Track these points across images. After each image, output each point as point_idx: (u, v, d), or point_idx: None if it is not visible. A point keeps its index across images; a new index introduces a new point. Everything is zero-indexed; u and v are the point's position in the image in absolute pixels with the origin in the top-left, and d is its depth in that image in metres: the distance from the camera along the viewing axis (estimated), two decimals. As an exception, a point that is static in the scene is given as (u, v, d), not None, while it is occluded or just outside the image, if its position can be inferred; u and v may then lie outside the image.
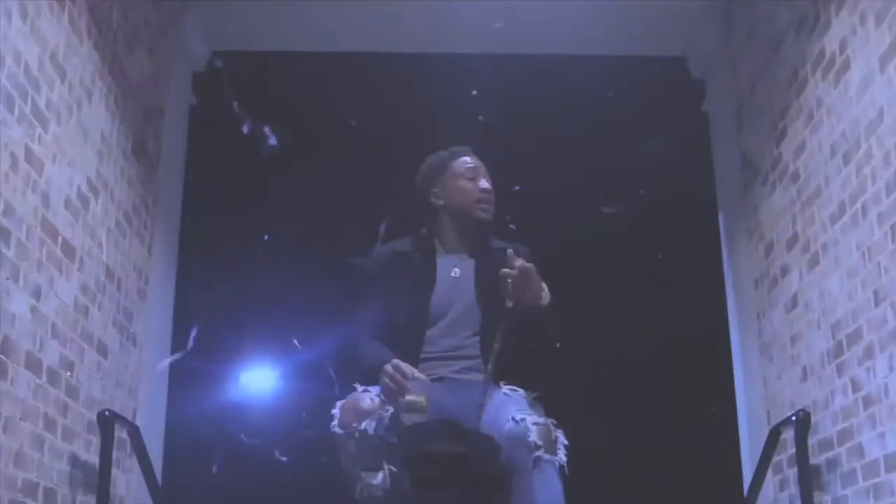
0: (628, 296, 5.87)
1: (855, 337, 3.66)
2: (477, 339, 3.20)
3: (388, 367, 2.99)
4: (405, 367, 3.00)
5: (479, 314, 3.23)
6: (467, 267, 3.32)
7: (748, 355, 4.88)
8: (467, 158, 3.42)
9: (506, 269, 3.02)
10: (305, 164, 5.79)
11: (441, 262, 3.33)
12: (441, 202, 3.37)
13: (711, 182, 5.32)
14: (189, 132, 5.32)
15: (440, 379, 3.16)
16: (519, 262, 3.03)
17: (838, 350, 3.81)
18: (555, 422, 3.02)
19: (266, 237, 5.59)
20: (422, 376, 3.02)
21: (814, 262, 4.05)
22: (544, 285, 3.12)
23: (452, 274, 3.31)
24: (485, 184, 3.36)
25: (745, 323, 4.91)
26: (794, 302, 4.29)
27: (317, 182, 5.80)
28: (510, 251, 3.04)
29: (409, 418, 2.97)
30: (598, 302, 5.67)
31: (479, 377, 3.15)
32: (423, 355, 3.18)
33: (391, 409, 2.99)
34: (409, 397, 2.94)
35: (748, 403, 4.87)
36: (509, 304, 3.02)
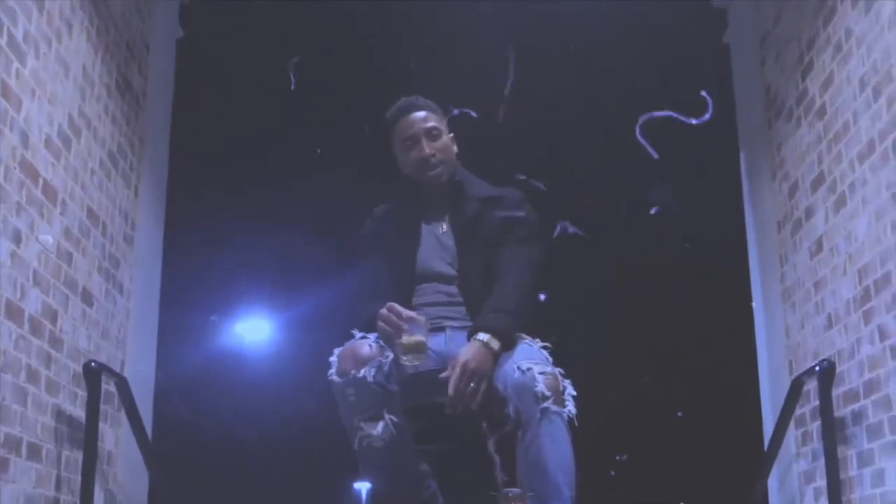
0: (643, 240, 5.86)
1: (883, 282, 3.65)
2: (457, 288, 3.31)
3: (383, 311, 3.06)
4: (400, 308, 3.07)
5: (458, 266, 3.33)
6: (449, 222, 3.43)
7: (770, 302, 4.88)
8: (407, 119, 3.43)
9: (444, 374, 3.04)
10: (302, 102, 5.75)
11: (428, 217, 3.43)
12: (404, 170, 3.44)
13: (732, 119, 5.30)
14: (176, 68, 5.28)
15: (441, 329, 3.22)
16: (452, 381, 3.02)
17: (865, 296, 3.81)
18: (562, 371, 3.04)
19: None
20: (418, 317, 3.07)
21: (840, 203, 4.04)
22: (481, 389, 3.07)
23: (440, 230, 3.41)
24: (424, 148, 3.37)
25: (767, 268, 4.91)
26: (818, 246, 4.28)
27: (315, 121, 5.77)
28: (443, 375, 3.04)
29: (409, 360, 3.01)
30: (611, 247, 5.66)
31: None
32: (416, 302, 3.30)
33: (391, 356, 3.03)
34: (406, 338, 2.99)
35: (770, 353, 4.88)
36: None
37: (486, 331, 3.08)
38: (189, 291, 5.03)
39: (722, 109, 5.30)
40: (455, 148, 3.49)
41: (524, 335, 3.18)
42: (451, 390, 2.99)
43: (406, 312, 3.06)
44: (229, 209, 5.73)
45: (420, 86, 3.61)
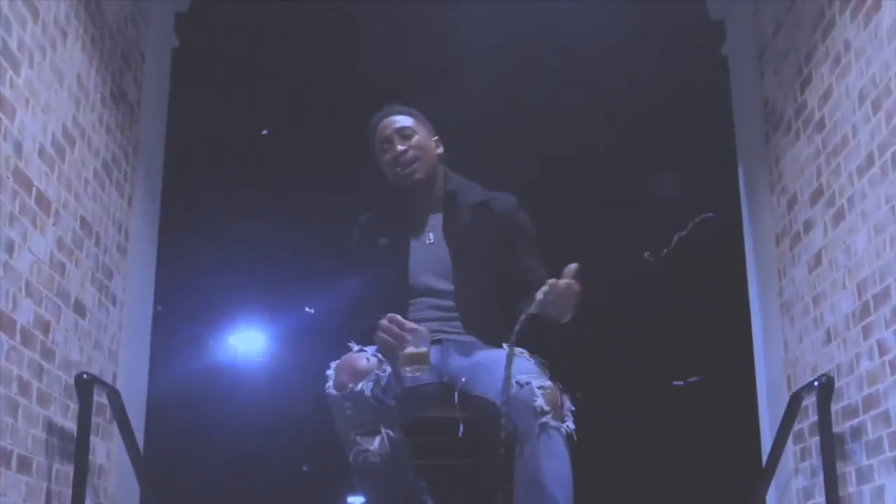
0: (640, 253, 5.86)
1: (882, 297, 3.66)
2: (452, 301, 3.28)
3: (384, 322, 3.05)
4: (401, 318, 3.06)
5: (454, 278, 3.30)
6: (439, 232, 3.40)
7: (768, 316, 4.87)
8: (381, 124, 3.44)
9: (553, 280, 3.00)
10: (298, 111, 5.75)
11: (416, 228, 3.41)
12: (388, 179, 3.46)
13: (731, 131, 5.31)
14: (171, 77, 5.29)
15: (437, 341, 3.20)
16: (564, 282, 2.99)
17: (864, 311, 3.81)
18: (561, 386, 3.03)
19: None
20: (419, 327, 3.06)
21: (839, 216, 4.04)
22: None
23: (427, 241, 3.38)
24: (396, 148, 3.37)
25: (766, 282, 4.91)
26: (817, 259, 4.28)
27: (311, 129, 5.77)
28: (573, 266, 3.00)
29: (411, 371, 2.99)
30: (609, 259, 5.66)
31: (474, 338, 3.21)
32: (410, 318, 3.22)
33: (389, 370, 3.01)
34: (409, 349, 2.98)
35: (768, 367, 4.88)
36: (528, 311, 3.00)
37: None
38: (183, 302, 5.02)
39: (720, 122, 5.32)
40: (438, 149, 3.45)
41: (522, 349, 3.17)
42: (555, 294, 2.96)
43: (408, 323, 3.05)
44: (224, 219, 5.72)
45: (418, 92, 3.63)
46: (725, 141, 5.32)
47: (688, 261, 5.69)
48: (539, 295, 2.98)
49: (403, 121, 3.43)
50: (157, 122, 5.13)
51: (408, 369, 3.00)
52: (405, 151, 3.36)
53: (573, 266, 3.00)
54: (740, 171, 5.26)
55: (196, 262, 5.34)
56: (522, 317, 2.98)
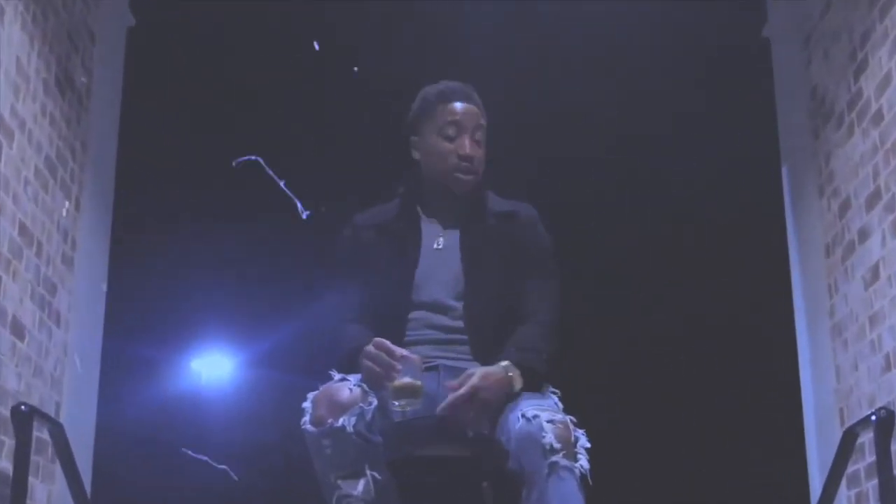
0: (674, 267, 5.85)
1: (951, 317, 3.63)
2: (462, 322, 3.24)
3: (370, 348, 3.01)
4: (390, 345, 3.02)
5: (465, 293, 3.26)
6: (453, 237, 3.36)
7: (817, 340, 4.87)
8: (457, 105, 3.40)
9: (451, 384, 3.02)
10: (266, 99, 5.74)
11: (424, 229, 3.37)
12: (418, 155, 3.40)
13: (773, 125, 5.31)
14: (126, 61, 5.28)
15: (434, 367, 3.17)
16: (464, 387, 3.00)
17: (930, 333, 3.79)
18: (574, 420, 3.00)
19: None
20: (411, 355, 3.03)
21: (900, 223, 4.04)
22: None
23: (435, 245, 3.34)
24: (467, 146, 3.34)
25: (814, 299, 4.91)
26: (874, 273, 4.27)
27: (279, 122, 5.75)
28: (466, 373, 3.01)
29: (400, 406, 2.96)
30: (637, 273, 5.65)
31: (476, 365, 3.17)
32: (406, 338, 3.22)
33: (375, 402, 2.97)
34: (400, 380, 2.94)
35: (817, 399, 4.87)
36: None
37: (513, 365, 3.06)
38: (138, 322, 4.99)
39: (762, 115, 5.30)
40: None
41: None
42: (447, 408, 2.97)
43: (398, 350, 3.02)
44: (188, 226, 5.69)
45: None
46: (767, 136, 5.32)
47: (725, 276, 5.68)
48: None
49: (481, 119, 3.39)
50: (109, 112, 5.12)
51: (396, 403, 2.97)
52: (474, 158, 3.32)
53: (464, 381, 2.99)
54: (784, 171, 5.26)
55: (154, 274, 5.32)
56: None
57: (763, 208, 5.36)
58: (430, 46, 5.49)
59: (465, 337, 3.22)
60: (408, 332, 3.22)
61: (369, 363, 3.00)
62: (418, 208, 3.40)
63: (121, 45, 5.26)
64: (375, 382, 3.00)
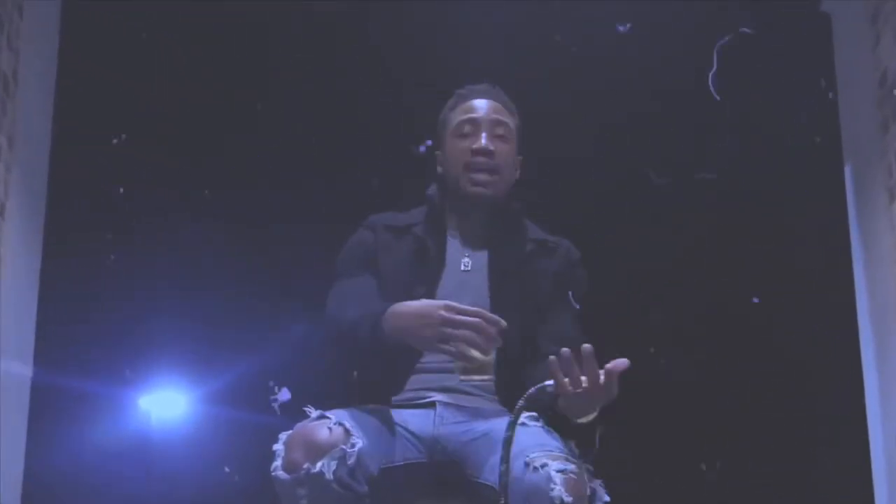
0: (713, 285, 5.88)
1: None
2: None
3: (443, 312, 2.98)
4: (458, 306, 3.00)
5: None
6: (480, 259, 3.47)
7: (888, 367, 4.90)
8: (474, 102, 3.51)
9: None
10: (229, 86, 5.75)
11: (450, 247, 3.48)
12: (440, 169, 3.50)
13: (834, 117, 5.35)
14: (62, 40, 5.29)
15: (431, 404, 3.28)
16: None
17: None
18: (591, 468, 3.06)
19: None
20: (487, 314, 2.99)
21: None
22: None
23: (462, 266, 3.45)
24: (483, 138, 3.43)
25: (882, 318, 4.94)
26: (953, 292, 4.30)
27: (247, 113, 5.77)
28: (587, 347, 2.89)
29: (465, 379, 3.02)
30: (673, 290, 5.69)
31: (488, 402, 3.25)
32: (419, 364, 3.34)
33: (359, 443, 2.99)
34: (476, 353, 2.95)
35: (886, 434, 4.91)
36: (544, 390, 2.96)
37: None
38: (75, 355, 5.02)
39: (819, 105, 5.31)
40: (517, 172, 3.58)
41: (536, 415, 3.22)
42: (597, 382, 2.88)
43: (482, 312, 2.98)
44: (133, 236, 5.69)
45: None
46: (827, 131, 5.34)
47: (776, 293, 5.69)
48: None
49: (503, 116, 3.50)
50: (41, 102, 5.14)
51: (463, 378, 3.02)
52: (492, 153, 3.44)
53: (622, 362, 2.91)
54: (847, 171, 5.31)
55: (94, 297, 5.31)
56: (520, 402, 2.92)
57: (823, 213, 5.39)
58: (429, 52, 5.58)
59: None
60: (422, 359, 3.31)
61: (450, 330, 2.95)
62: (446, 219, 3.52)
63: (54, 19, 5.26)
64: (445, 350, 2.98)
